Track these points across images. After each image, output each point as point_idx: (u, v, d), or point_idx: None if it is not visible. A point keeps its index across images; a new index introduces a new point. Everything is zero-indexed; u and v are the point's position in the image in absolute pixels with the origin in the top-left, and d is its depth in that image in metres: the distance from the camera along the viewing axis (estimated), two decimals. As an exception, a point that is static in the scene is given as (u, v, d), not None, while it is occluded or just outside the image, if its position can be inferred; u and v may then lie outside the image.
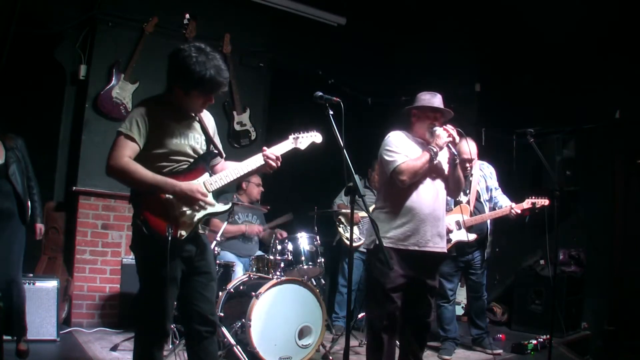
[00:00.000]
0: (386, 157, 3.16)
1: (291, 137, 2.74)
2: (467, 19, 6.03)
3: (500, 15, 5.73)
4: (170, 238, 2.39)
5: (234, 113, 5.61)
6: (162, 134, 2.49)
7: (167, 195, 2.44)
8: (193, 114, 2.63)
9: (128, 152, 2.42)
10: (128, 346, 3.96)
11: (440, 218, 3.23)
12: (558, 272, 5.25)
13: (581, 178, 5.64)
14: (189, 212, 2.49)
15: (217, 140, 2.77)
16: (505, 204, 4.35)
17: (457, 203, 4.34)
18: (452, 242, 4.25)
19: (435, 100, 3.25)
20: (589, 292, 5.55)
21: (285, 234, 4.50)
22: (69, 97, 5.03)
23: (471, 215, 4.32)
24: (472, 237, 4.28)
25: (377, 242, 3.03)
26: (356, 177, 2.44)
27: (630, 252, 5.47)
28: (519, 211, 4.23)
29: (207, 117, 2.75)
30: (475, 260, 4.47)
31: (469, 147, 4.09)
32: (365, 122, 6.03)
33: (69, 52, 4.98)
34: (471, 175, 4.44)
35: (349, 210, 2.57)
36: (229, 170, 2.63)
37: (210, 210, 2.55)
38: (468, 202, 4.38)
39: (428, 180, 3.19)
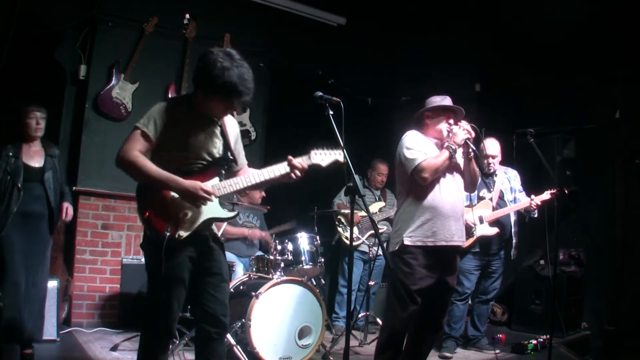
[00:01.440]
0: (407, 156, 3.21)
1: (312, 152, 2.65)
2: (467, 19, 6.03)
3: (500, 15, 5.73)
4: (167, 237, 2.39)
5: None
6: (180, 134, 2.49)
7: (171, 194, 2.44)
8: (215, 119, 2.61)
9: (139, 146, 2.44)
10: (128, 346, 3.96)
11: (462, 212, 3.32)
12: (558, 272, 5.25)
13: (581, 178, 5.64)
14: (190, 213, 2.49)
15: (239, 147, 2.76)
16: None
17: (481, 199, 4.38)
18: (475, 236, 4.28)
19: (445, 102, 3.34)
20: (589, 292, 5.55)
21: None
22: (69, 97, 5.03)
23: (493, 211, 4.37)
24: (495, 230, 4.31)
25: (399, 242, 3.15)
26: (356, 177, 2.44)
27: (630, 252, 5.47)
28: (540, 202, 4.25)
29: (230, 123, 2.73)
30: (496, 262, 4.49)
31: (484, 145, 4.14)
32: (365, 122, 6.03)
33: (69, 52, 4.97)
34: (495, 174, 4.49)
35: (349, 210, 2.57)
36: (239, 178, 2.61)
37: (213, 214, 2.54)
38: (491, 199, 4.42)
39: (448, 177, 3.26)
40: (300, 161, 2.60)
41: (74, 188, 4.79)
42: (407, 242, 3.15)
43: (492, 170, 4.48)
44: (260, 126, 5.81)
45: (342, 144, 2.48)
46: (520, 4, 5.46)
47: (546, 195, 4.22)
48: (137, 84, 5.03)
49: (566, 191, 4.14)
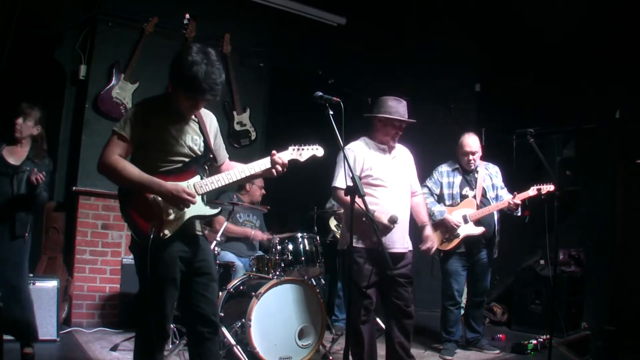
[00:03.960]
0: (335, 172, 3.38)
1: (291, 147, 2.70)
2: (467, 19, 6.03)
3: (500, 15, 5.73)
4: (152, 237, 2.38)
5: (234, 113, 5.62)
6: (158, 134, 2.49)
7: (152, 195, 2.43)
8: (191, 115, 2.60)
9: (118, 150, 2.44)
10: (128, 346, 3.96)
11: (405, 220, 3.43)
12: (558, 272, 5.24)
13: (581, 178, 5.64)
14: (174, 213, 2.47)
15: (219, 141, 2.75)
16: None
17: (464, 198, 4.36)
18: (461, 237, 4.27)
19: (400, 107, 3.39)
20: (589, 292, 5.54)
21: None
22: (69, 97, 5.04)
23: (477, 209, 4.35)
24: (480, 229, 4.29)
25: (346, 242, 3.23)
26: (356, 176, 2.45)
27: (630, 252, 5.47)
28: (519, 201, 4.22)
29: (208, 118, 2.72)
30: (482, 260, 4.46)
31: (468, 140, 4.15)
32: (364, 122, 6.01)
33: (69, 52, 4.98)
34: (477, 171, 4.46)
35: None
36: (221, 175, 2.60)
37: (197, 212, 2.53)
38: (474, 197, 4.39)
39: (393, 185, 3.37)
40: (280, 156, 2.63)
41: (74, 188, 4.80)
42: (353, 242, 3.21)
43: (472, 167, 4.44)
44: (260, 126, 5.81)
45: (342, 144, 2.48)
46: (521, 5, 5.46)
47: (532, 191, 4.19)
48: (137, 84, 5.03)
49: (553, 188, 4.09)
